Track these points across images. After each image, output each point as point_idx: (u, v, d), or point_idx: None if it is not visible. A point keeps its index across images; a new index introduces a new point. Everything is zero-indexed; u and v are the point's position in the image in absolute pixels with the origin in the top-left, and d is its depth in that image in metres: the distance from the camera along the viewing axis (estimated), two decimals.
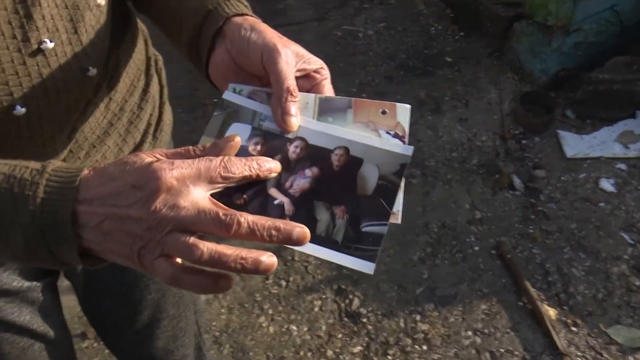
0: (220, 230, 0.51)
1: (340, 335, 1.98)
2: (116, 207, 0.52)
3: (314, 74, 0.69)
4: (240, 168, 0.57)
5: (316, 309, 2.05)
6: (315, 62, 0.68)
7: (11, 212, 0.53)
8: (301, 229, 0.54)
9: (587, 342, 1.94)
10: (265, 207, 0.60)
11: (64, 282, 1.09)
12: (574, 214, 2.28)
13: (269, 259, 0.53)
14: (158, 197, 0.51)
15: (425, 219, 2.28)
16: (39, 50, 0.66)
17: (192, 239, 0.51)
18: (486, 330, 1.98)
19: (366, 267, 0.59)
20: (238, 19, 0.69)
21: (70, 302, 1.19)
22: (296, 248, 0.58)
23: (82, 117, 0.79)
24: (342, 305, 2.05)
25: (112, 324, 1.15)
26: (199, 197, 0.53)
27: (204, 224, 0.51)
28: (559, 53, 2.63)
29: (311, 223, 0.59)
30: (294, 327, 2.00)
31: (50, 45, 0.67)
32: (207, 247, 0.51)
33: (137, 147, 0.92)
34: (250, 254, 0.52)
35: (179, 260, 0.53)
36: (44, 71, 0.68)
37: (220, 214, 0.51)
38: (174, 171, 0.52)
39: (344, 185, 0.63)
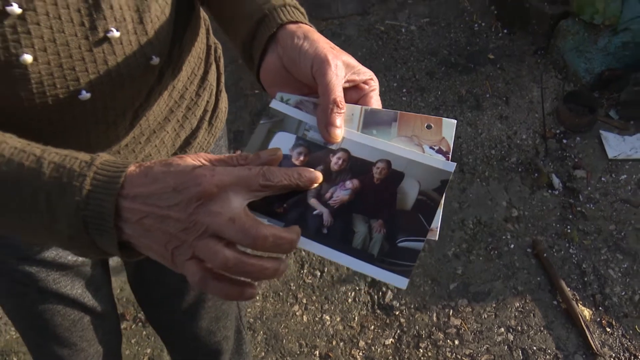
0: (244, 240, 0.53)
1: (372, 327, 2.01)
2: (157, 206, 0.54)
3: (362, 84, 0.69)
4: (280, 177, 0.58)
5: (349, 300, 2.08)
6: (364, 74, 0.68)
7: (58, 200, 0.56)
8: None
9: (621, 344, 1.93)
10: (304, 217, 0.61)
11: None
12: (613, 215, 2.26)
13: (284, 265, 0.56)
14: (197, 202, 0.53)
15: (461, 215, 2.28)
16: (105, 39, 0.69)
17: (218, 245, 0.53)
18: (519, 328, 1.99)
19: (400, 282, 0.59)
20: (292, 27, 0.70)
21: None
22: (332, 259, 0.60)
23: (145, 104, 0.82)
24: (375, 297, 2.08)
25: (160, 301, 1.20)
26: (235, 205, 0.55)
27: (232, 233, 0.53)
28: (605, 53, 2.60)
29: (348, 235, 0.61)
30: (327, 317, 2.04)
31: (117, 34, 0.69)
32: (232, 255, 0.53)
33: (194, 133, 0.95)
34: (270, 264, 0.55)
35: (209, 265, 0.55)
36: (110, 59, 0.70)
37: (247, 226, 0.53)
38: (214, 178, 0.54)
39: (383, 199, 0.63)
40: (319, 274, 2.15)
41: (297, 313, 2.05)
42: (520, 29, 2.91)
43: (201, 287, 0.55)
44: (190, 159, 0.57)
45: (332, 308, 2.06)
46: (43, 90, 0.69)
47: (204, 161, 0.58)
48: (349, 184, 0.63)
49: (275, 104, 0.69)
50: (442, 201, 0.62)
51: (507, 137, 2.53)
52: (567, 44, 2.68)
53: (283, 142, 0.66)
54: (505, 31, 2.95)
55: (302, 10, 0.75)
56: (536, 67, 2.77)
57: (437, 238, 0.62)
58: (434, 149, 0.65)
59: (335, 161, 0.65)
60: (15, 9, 0.62)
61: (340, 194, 0.63)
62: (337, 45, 0.70)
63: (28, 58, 0.65)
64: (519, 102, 2.65)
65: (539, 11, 2.79)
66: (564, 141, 2.49)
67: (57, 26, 0.66)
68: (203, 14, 0.95)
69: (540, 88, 2.61)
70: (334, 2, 3.11)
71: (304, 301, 2.08)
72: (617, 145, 2.46)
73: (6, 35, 0.63)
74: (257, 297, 2.09)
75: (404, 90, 2.70)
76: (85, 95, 0.72)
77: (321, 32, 0.74)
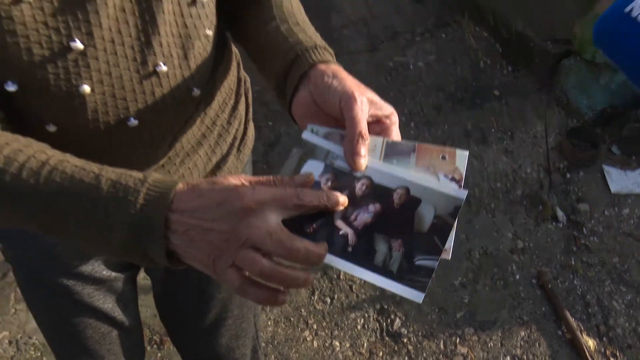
0: (280, 251, 0.60)
1: (381, 354, 2.05)
2: (202, 219, 0.61)
3: (384, 119, 0.76)
4: (311, 197, 0.65)
5: (359, 327, 2.13)
6: (386, 109, 0.75)
7: (114, 212, 0.62)
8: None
9: None
10: (331, 236, 0.68)
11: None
12: (616, 248, 2.31)
13: (312, 276, 0.64)
14: (238, 216, 0.60)
15: (468, 245, 2.34)
16: (154, 72, 0.77)
17: (257, 255, 0.60)
18: (525, 357, 2.03)
19: (416, 296, 0.66)
20: (322, 66, 0.77)
21: None
22: (355, 274, 0.67)
23: (181, 129, 0.90)
24: (384, 324, 2.13)
25: (183, 319, 1.25)
26: (272, 220, 0.61)
27: (269, 245, 0.60)
28: (607, 90, 2.68)
29: (370, 253, 0.67)
30: (337, 343, 2.08)
31: (164, 68, 0.77)
32: (269, 264, 0.60)
33: (224, 158, 1.02)
34: (301, 274, 0.62)
35: (247, 273, 0.62)
36: (157, 90, 0.78)
37: (283, 238, 0.60)
38: (254, 195, 0.61)
39: (402, 221, 0.69)
40: (329, 300, 2.20)
41: (307, 338, 2.10)
42: (524, 67, 3.01)
43: (240, 293, 0.62)
44: (233, 179, 0.64)
45: (342, 334, 2.11)
46: (97, 117, 0.76)
47: (244, 181, 0.65)
48: (371, 207, 0.70)
49: (306, 135, 0.76)
50: (455, 225, 0.69)
51: (512, 171, 2.60)
52: (570, 81, 2.77)
53: (313, 168, 0.73)
54: (509, 68, 3.04)
55: (331, 50, 0.82)
56: (540, 103, 2.86)
57: (449, 257, 0.69)
58: (447, 177, 0.72)
59: (359, 187, 0.71)
60: (79, 45, 0.70)
61: (364, 216, 0.69)
62: None
63: (87, 89, 0.73)
64: (523, 137, 2.73)
65: (543, 50, 2.89)
66: (568, 175, 2.56)
67: (113, 61, 0.73)
68: (234, 48, 1.03)
69: (544, 123, 2.69)
70: (344, 38, 3.22)
71: (315, 327, 2.13)
72: (619, 180, 2.53)
73: (69, 68, 0.71)
74: (269, 323, 2.14)
75: (412, 124, 2.78)
76: (134, 122, 0.79)
77: None
